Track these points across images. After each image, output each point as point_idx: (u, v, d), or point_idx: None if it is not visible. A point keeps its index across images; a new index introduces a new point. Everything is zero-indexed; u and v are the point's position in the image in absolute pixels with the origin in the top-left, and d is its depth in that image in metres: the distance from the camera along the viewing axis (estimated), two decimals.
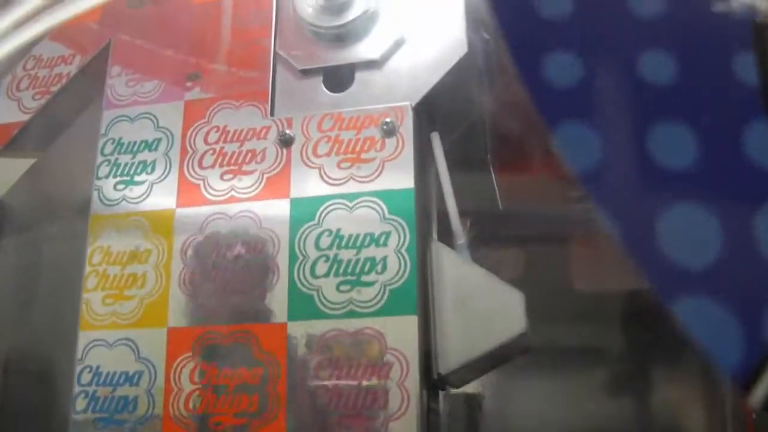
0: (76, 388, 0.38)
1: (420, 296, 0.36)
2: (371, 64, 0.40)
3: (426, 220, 0.39)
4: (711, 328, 0.19)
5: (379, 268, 0.36)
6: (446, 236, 0.39)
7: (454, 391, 0.41)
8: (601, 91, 0.21)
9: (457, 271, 0.38)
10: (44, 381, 0.46)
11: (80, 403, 0.37)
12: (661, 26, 0.22)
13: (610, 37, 0.22)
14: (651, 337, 0.48)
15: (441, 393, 0.38)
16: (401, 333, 0.35)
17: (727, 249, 0.19)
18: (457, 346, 0.36)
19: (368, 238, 0.36)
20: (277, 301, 0.36)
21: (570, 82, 0.21)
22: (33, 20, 0.39)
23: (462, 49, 0.39)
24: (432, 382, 0.36)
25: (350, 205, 0.37)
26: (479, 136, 0.45)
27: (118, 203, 0.40)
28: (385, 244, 0.36)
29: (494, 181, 0.46)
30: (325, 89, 0.40)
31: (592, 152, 0.20)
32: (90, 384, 0.37)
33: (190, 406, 0.36)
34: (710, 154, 0.20)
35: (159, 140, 0.41)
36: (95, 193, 0.41)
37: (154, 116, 0.41)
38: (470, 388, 0.46)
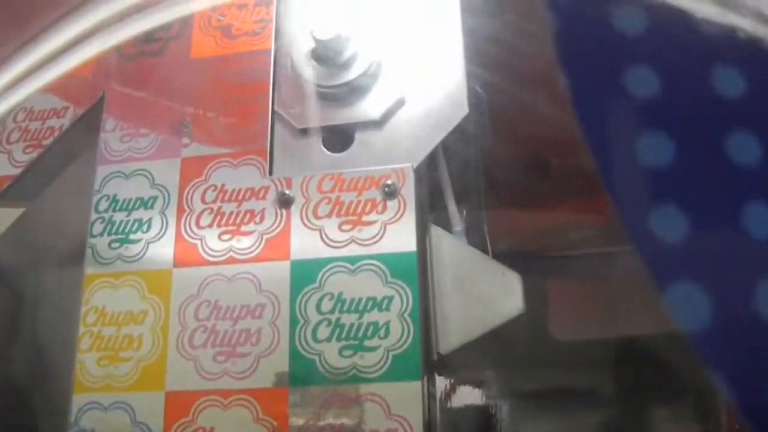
0: None
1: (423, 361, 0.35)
2: (372, 124, 0.40)
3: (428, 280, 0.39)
4: None
5: (381, 332, 0.36)
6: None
7: (465, 403, 0.41)
8: (709, 247, 0.21)
9: (456, 254, 0.38)
10: None
11: None
12: (763, 174, 0.22)
13: (715, 187, 0.22)
14: (650, 381, 0.49)
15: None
16: (405, 399, 0.35)
17: None
18: (456, 327, 0.37)
19: (371, 302, 0.36)
20: (278, 366, 0.36)
21: (679, 238, 0.21)
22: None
23: (462, 110, 0.39)
24: (431, 365, 0.36)
25: (352, 268, 0.37)
26: (473, 193, 0.46)
27: (112, 262, 0.39)
28: (387, 309, 0.36)
29: (487, 237, 0.46)
30: (324, 149, 0.40)
31: (703, 314, 0.20)
32: None
33: None
34: None
35: (155, 198, 0.40)
36: (89, 251, 0.40)
37: (150, 173, 0.41)
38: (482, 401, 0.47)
